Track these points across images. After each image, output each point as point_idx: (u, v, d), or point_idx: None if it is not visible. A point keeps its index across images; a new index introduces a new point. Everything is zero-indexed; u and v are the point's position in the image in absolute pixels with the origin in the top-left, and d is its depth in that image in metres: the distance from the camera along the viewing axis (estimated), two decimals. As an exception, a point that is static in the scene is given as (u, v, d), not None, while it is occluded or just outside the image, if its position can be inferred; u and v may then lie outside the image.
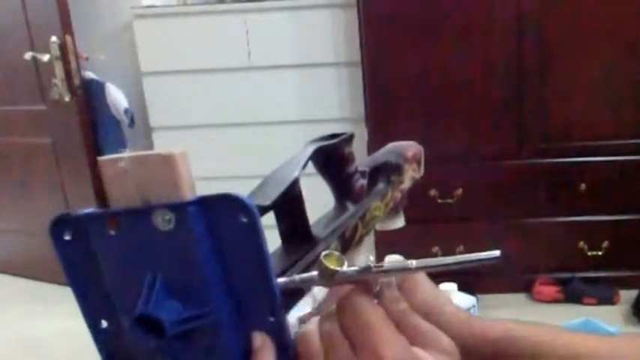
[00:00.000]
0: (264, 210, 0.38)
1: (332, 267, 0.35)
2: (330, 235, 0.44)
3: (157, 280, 0.34)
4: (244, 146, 2.79)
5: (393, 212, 0.57)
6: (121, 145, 2.86)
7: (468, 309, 1.57)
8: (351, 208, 0.49)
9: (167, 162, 0.33)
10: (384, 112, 2.42)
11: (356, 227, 0.48)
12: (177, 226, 0.33)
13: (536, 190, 2.42)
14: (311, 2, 2.62)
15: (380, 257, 0.52)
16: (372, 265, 0.36)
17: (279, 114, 2.75)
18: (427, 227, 2.38)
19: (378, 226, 0.55)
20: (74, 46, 2.58)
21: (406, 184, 0.58)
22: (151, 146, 2.86)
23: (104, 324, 0.38)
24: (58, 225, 0.36)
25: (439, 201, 2.44)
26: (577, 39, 2.27)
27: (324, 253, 0.36)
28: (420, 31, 2.32)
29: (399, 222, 0.59)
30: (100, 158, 0.35)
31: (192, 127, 2.79)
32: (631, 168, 2.35)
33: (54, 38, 2.54)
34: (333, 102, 2.73)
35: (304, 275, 0.37)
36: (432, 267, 0.37)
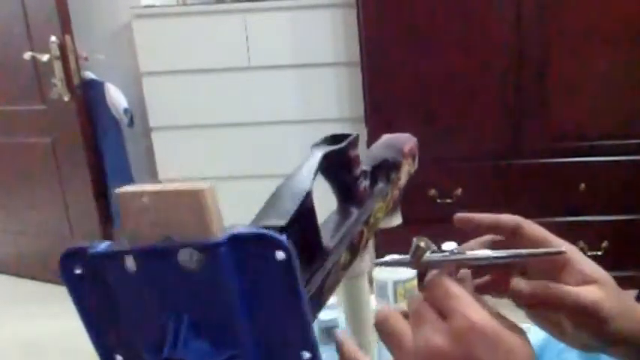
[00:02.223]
0: (281, 231, 0.36)
1: (423, 245, 0.41)
2: (339, 244, 0.44)
3: (182, 320, 0.32)
4: (244, 146, 2.78)
5: (391, 210, 0.56)
6: (120, 145, 2.85)
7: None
8: (354, 211, 0.49)
9: (195, 198, 0.30)
10: (384, 112, 2.41)
11: (362, 233, 0.47)
12: (206, 266, 0.31)
13: (536, 190, 2.41)
14: (311, 2, 2.62)
15: (379, 257, 0.52)
16: (455, 250, 0.43)
17: (278, 114, 2.75)
18: (426, 227, 2.36)
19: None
20: (73, 46, 2.58)
21: (403, 180, 0.57)
22: (150, 146, 2.86)
23: (119, 358, 0.36)
24: (68, 258, 0.34)
25: (438, 201, 2.44)
26: (577, 39, 2.27)
27: (416, 238, 0.41)
28: (420, 31, 2.32)
29: (397, 219, 0.59)
30: (121, 191, 0.32)
31: (192, 127, 2.79)
32: (631, 168, 2.34)
33: (53, 38, 2.54)
34: (332, 102, 2.73)
35: (397, 257, 0.43)
36: (507, 257, 0.44)
